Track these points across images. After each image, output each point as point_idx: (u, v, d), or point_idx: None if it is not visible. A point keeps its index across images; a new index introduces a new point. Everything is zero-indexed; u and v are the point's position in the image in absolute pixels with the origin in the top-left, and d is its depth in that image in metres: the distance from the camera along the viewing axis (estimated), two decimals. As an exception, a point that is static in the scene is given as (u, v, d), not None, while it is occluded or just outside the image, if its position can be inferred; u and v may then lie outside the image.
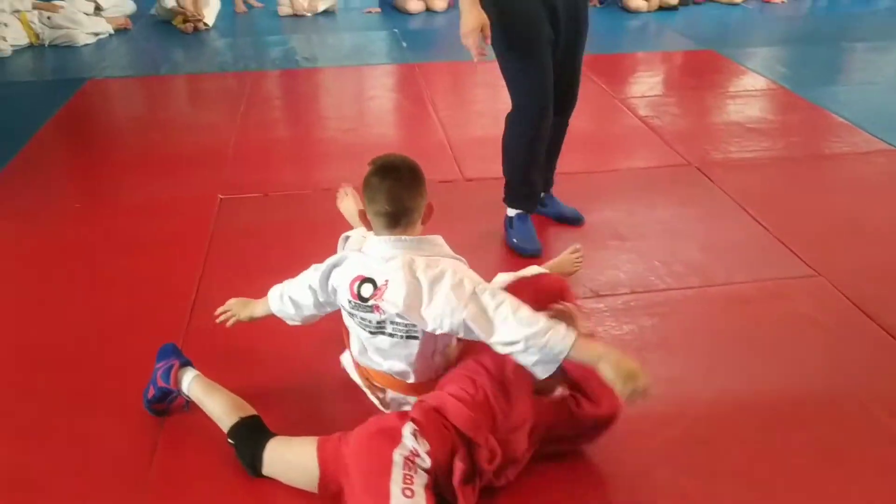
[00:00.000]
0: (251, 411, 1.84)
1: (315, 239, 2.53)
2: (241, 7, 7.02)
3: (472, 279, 1.66)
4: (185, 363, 1.96)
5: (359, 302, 1.75)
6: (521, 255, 2.79)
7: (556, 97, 2.67)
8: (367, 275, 1.74)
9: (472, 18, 2.43)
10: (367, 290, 1.73)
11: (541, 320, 1.57)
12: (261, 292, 2.04)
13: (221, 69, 5.32)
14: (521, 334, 1.56)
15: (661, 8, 6.83)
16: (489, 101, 4.52)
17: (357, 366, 1.97)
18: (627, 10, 6.79)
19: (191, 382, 1.91)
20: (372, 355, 1.87)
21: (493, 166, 2.99)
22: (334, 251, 2.08)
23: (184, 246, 2.87)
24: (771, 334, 2.34)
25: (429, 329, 1.67)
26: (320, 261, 1.86)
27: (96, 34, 6.09)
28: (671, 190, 3.36)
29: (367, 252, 1.78)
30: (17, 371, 2.20)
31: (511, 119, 2.77)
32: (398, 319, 1.72)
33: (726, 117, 4.29)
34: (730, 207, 3.17)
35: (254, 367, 2.17)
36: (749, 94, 4.64)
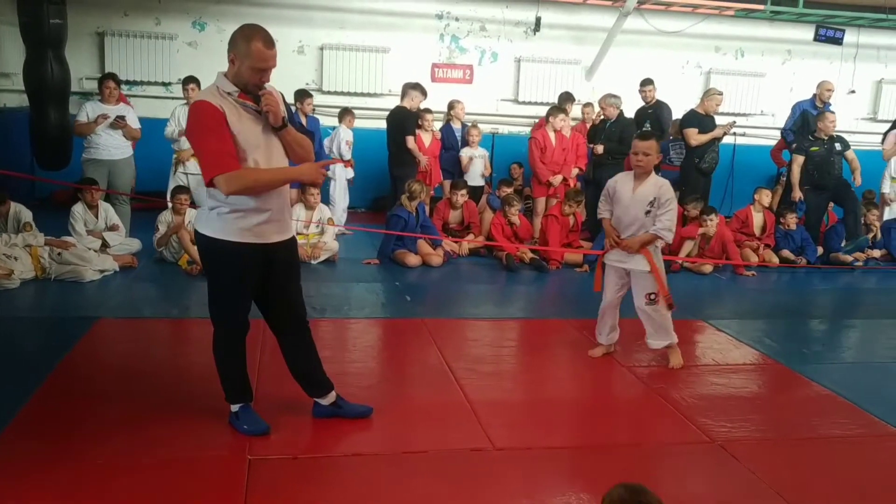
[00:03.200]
0: None
1: None
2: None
3: None
4: None
5: None
6: None
7: None
8: None
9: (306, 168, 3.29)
10: None
11: None
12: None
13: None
14: None
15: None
16: (504, 361, 4.64)
17: None
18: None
19: None
20: None
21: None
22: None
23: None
24: None
25: None
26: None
27: (102, 271, 6.19)
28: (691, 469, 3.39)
29: None
30: None
31: None
32: None
33: (733, 391, 4.43)
34: (761, 491, 3.19)
35: None
36: (745, 368, 4.84)
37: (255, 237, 3.21)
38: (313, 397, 3.66)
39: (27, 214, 6.35)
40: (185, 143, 7.28)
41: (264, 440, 3.41)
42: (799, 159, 8.17)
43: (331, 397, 3.65)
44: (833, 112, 8.35)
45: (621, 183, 4.60)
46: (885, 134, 9.00)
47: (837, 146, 8.09)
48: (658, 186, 4.50)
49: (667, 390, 4.31)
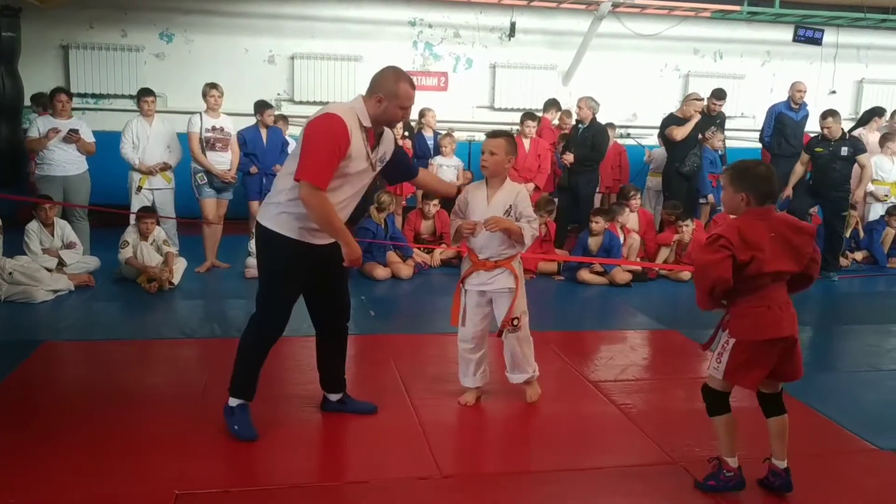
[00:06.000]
0: None
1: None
2: (204, 267, 7.04)
3: None
4: None
5: None
6: None
7: None
8: None
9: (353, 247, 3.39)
10: None
11: None
12: None
13: (184, 335, 5.19)
14: None
15: (612, 285, 7.10)
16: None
17: None
18: (584, 283, 7.06)
19: None
20: None
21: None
22: None
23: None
24: None
25: None
26: None
27: (56, 291, 5.98)
28: (656, 493, 3.19)
29: None
30: None
31: None
32: None
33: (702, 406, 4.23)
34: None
35: None
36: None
37: (311, 237, 3.42)
38: (327, 392, 3.89)
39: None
40: (149, 159, 7.05)
41: (195, 471, 3.20)
42: (804, 157, 7.79)
43: (339, 395, 3.89)
44: (837, 112, 7.68)
45: (473, 194, 3.90)
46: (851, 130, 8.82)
47: (844, 150, 7.49)
48: (515, 193, 3.87)
49: (633, 407, 4.12)
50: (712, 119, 8.38)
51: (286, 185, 3.37)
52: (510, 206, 3.82)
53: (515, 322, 3.90)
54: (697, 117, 8.00)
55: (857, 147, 7.60)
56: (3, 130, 6.41)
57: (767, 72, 11.18)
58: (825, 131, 7.53)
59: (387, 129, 3.60)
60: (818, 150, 7.57)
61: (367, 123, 3.38)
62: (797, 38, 9.96)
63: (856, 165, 7.69)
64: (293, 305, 3.55)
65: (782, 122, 8.44)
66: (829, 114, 7.60)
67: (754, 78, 11.10)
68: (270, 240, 3.43)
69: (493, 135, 3.91)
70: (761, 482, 3.22)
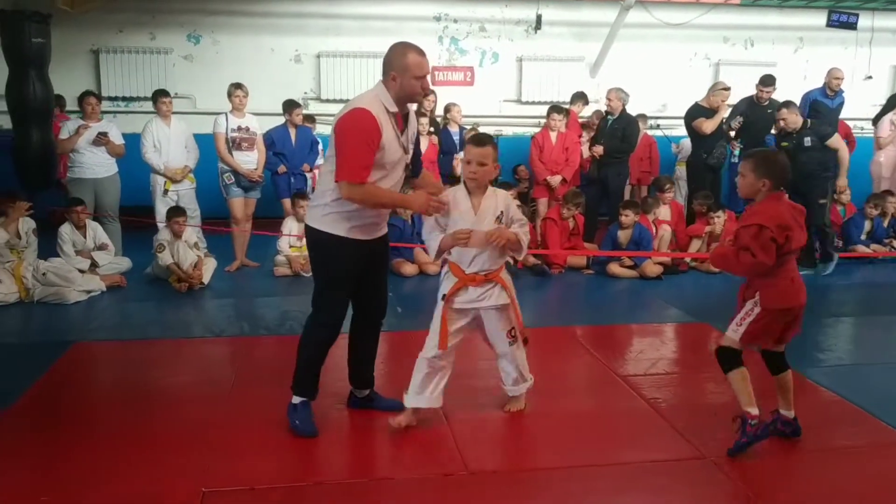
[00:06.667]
0: None
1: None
2: (234, 266, 7.09)
3: None
4: None
5: None
6: None
7: None
8: None
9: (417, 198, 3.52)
10: None
11: None
12: None
13: (213, 333, 5.23)
14: None
15: (643, 278, 7.01)
16: (491, 375, 4.39)
17: None
18: (615, 277, 6.98)
19: None
20: None
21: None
22: None
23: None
24: None
25: None
26: None
27: (88, 292, 6.07)
28: (684, 488, 3.13)
29: None
30: None
31: None
32: None
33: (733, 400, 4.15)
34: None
35: None
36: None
37: (360, 234, 3.46)
38: (355, 388, 3.89)
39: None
40: (172, 161, 7.14)
41: (222, 470, 3.22)
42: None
43: (367, 391, 3.89)
44: (793, 103, 7.32)
45: (454, 203, 3.52)
46: (876, 119, 8.59)
47: (807, 141, 7.02)
48: (502, 197, 3.59)
49: (662, 402, 4.05)
50: (763, 108, 8.09)
51: (328, 185, 3.40)
52: (501, 212, 3.54)
53: (513, 332, 3.69)
54: (726, 110, 7.83)
55: (821, 134, 7.12)
56: (35, 135, 6.50)
57: (800, 58, 10.94)
58: (781, 123, 7.16)
59: (412, 114, 3.60)
60: (784, 144, 7.12)
61: (393, 108, 3.38)
62: (831, 23, 9.72)
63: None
64: (348, 298, 3.59)
65: (817, 110, 8.23)
66: (784, 105, 7.27)
67: (787, 65, 10.84)
68: (321, 241, 3.47)
69: (478, 142, 3.54)
70: (772, 431, 3.47)
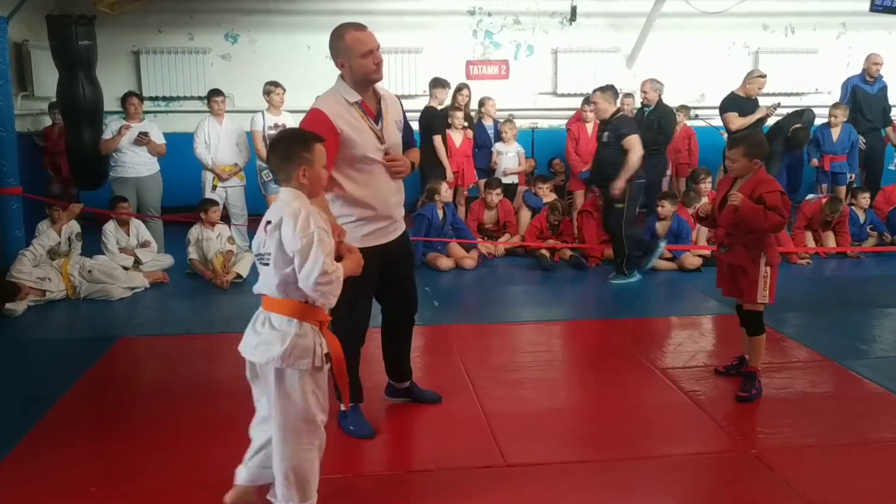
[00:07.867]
0: None
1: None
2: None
3: None
4: None
5: None
6: None
7: None
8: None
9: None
10: None
11: None
12: None
13: (253, 328, 5.30)
14: None
15: (682, 270, 6.94)
16: (529, 369, 4.41)
17: None
18: (653, 269, 6.91)
19: None
20: None
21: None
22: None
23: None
24: None
25: None
26: None
27: (132, 288, 6.20)
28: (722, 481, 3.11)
29: None
30: None
31: None
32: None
33: (774, 392, 4.10)
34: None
35: None
36: (794, 366, 4.50)
37: (374, 240, 3.36)
38: (393, 380, 3.87)
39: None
40: (221, 158, 7.26)
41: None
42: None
43: (406, 383, 3.87)
44: (610, 87, 6.46)
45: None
46: None
47: (605, 136, 6.41)
48: None
49: (701, 394, 4.02)
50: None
51: (330, 196, 3.28)
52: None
53: None
54: (763, 114, 7.64)
55: (620, 131, 6.24)
56: (86, 135, 6.66)
57: (843, 45, 10.70)
58: (590, 114, 6.50)
59: (389, 95, 3.44)
60: (599, 136, 6.57)
61: (354, 97, 3.23)
62: (874, 8, 9.46)
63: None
64: (370, 306, 3.53)
65: (858, 96, 8.06)
66: (596, 90, 6.45)
67: (829, 52, 10.64)
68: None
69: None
70: (728, 369, 4.26)
